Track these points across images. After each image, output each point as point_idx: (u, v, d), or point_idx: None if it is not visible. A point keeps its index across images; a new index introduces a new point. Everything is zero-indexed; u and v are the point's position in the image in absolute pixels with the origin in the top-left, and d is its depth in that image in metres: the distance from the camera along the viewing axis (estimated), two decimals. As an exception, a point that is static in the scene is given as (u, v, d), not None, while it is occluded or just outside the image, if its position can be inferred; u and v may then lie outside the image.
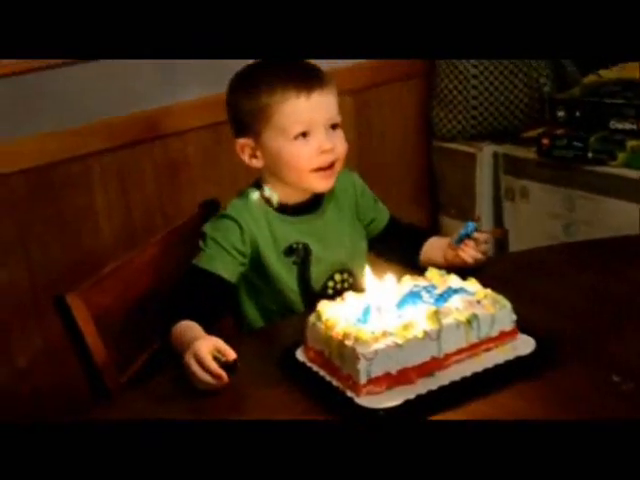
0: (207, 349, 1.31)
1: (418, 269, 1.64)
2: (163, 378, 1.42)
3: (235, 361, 1.30)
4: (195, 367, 1.31)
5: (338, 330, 1.28)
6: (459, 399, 1.24)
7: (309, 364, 1.33)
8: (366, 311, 1.30)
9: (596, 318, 1.47)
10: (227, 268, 1.56)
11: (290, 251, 1.62)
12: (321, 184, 1.61)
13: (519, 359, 1.31)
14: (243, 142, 1.62)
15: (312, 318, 1.35)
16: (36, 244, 2.19)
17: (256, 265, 1.61)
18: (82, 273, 1.68)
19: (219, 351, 1.31)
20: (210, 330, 1.41)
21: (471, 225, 1.60)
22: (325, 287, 1.65)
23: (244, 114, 1.60)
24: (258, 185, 1.65)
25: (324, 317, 1.32)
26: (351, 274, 1.67)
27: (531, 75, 2.83)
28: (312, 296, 1.60)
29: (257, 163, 1.63)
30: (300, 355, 1.36)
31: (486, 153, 2.78)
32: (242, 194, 1.65)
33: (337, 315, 1.32)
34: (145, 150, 2.35)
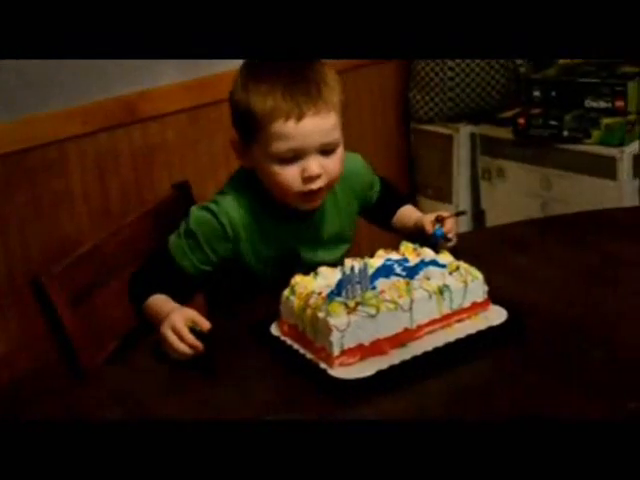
0: (183, 320, 1.33)
1: (390, 231, 1.73)
2: (138, 352, 1.43)
3: (210, 331, 1.32)
4: (172, 338, 1.32)
5: (311, 303, 1.29)
6: (432, 369, 1.25)
7: (283, 337, 1.34)
8: (339, 284, 1.31)
9: (568, 289, 1.48)
10: (195, 265, 1.52)
11: (281, 258, 1.57)
12: (303, 206, 1.53)
13: (491, 329, 1.32)
14: (234, 138, 1.54)
15: (286, 292, 1.36)
16: (13, 229, 2.18)
17: (235, 261, 1.55)
18: (59, 258, 1.68)
19: (194, 322, 1.33)
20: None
21: (439, 232, 1.60)
22: None
23: (238, 114, 1.51)
24: (251, 177, 1.55)
25: (298, 291, 1.33)
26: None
27: (507, 56, 2.84)
28: None
29: (246, 164, 1.55)
30: (274, 329, 1.37)
31: (463, 134, 2.80)
32: (234, 187, 1.56)
33: (310, 288, 1.33)
34: (123, 134, 2.35)
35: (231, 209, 1.53)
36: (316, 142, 1.45)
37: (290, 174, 1.47)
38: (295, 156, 1.46)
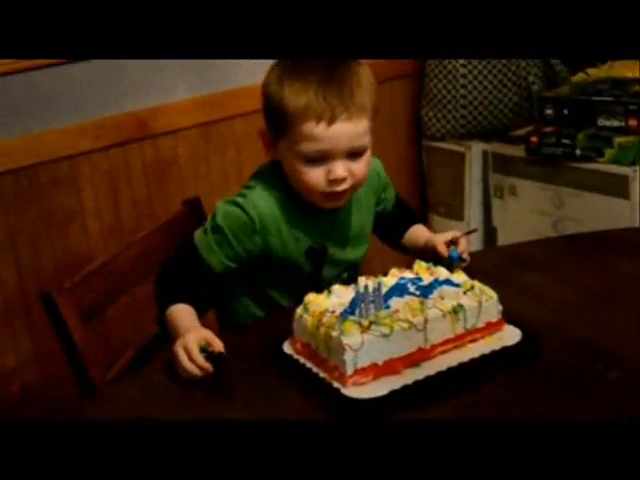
0: (196, 340, 1.32)
1: (398, 250, 1.72)
2: (150, 370, 1.42)
3: (221, 353, 1.31)
4: (183, 357, 1.32)
5: (324, 321, 1.28)
6: (445, 389, 1.24)
7: (296, 356, 1.33)
8: (353, 303, 1.30)
9: (581, 309, 1.47)
10: (222, 261, 1.52)
11: (311, 251, 1.56)
12: (327, 204, 1.52)
13: (505, 349, 1.31)
14: (264, 130, 1.53)
15: (299, 310, 1.35)
16: (25, 244, 2.19)
17: (263, 257, 1.54)
18: (71, 273, 1.68)
19: (207, 342, 1.32)
20: (204, 313, 1.44)
21: (454, 254, 1.59)
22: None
23: (270, 107, 1.49)
24: (280, 170, 1.54)
25: (311, 309, 1.33)
26: (357, 270, 1.64)
27: (520, 74, 2.84)
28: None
29: (272, 156, 1.55)
30: (287, 347, 1.37)
31: (475, 152, 2.80)
32: (263, 180, 1.55)
33: (324, 307, 1.32)
34: (134, 150, 2.36)
35: (259, 202, 1.51)
36: (345, 146, 1.45)
37: (315, 175, 1.47)
38: (322, 157, 1.46)
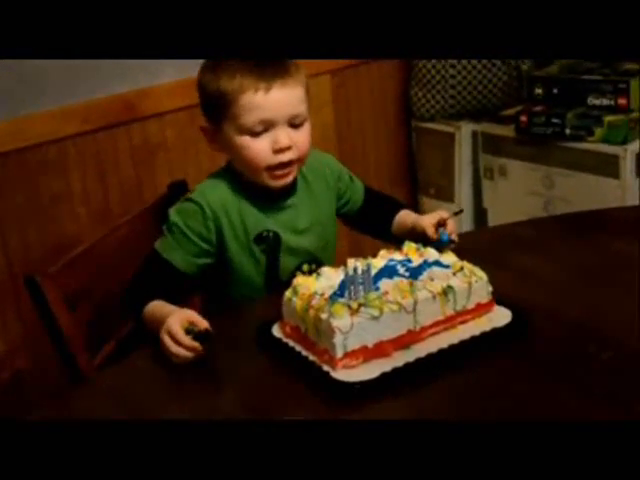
0: (179, 323, 1.32)
1: (391, 240, 1.67)
2: (139, 354, 1.41)
3: (207, 330, 1.30)
4: (169, 342, 1.31)
5: (313, 304, 1.27)
6: (436, 371, 1.23)
7: (285, 339, 1.33)
8: (342, 285, 1.29)
9: (573, 289, 1.47)
10: (185, 259, 1.53)
11: (260, 239, 1.57)
12: (276, 183, 1.55)
13: (495, 330, 1.31)
14: (205, 125, 1.57)
15: (288, 293, 1.34)
16: (13, 229, 2.17)
17: (219, 252, 1.56)
18: (59, 257, 1.67)
19: (191, 323, 1.31)
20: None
21: (445, 237, 1.57)
22: (292, 277, 1.62)
23: (207, 97, 1.54)
24: (229, 169, 1.60)
25: (300, 292, 1.32)
26: (320, 264, 1.62)
27: (509, 53, 2.82)
28: (277, 286, 1.56)
29: (217, 148, 1.58)
30: (276, 331, 1.36)
31: (465, 132, 2.79)
32: (212, 177, 1.61)
33: (313, 289, 1.31)
34: (122, 133, 2.34)
35: (207, 191, 1.55)
36: (285, 113, 1.49)
37: (260, 146, 1.50)
38: (265, 128, 1.50)
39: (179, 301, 1.45)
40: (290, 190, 1.61)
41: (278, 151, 1.50)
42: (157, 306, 1.43)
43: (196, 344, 1.30)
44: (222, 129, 1.53)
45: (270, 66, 1.49)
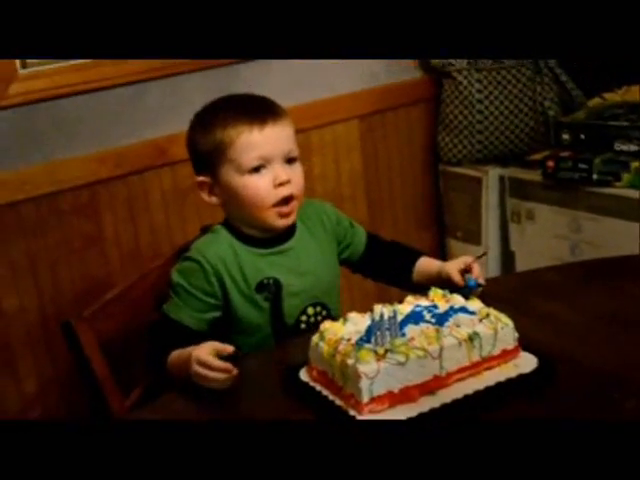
0: (206, 352, 1.35)
1: (411, 288, 1.67)
2: (168, 398, 1.43)
3: (235, 352, 1.35)
4: (203, 371, 1.34)
5: (340, 349, 1.29)
6: (461, 417, 1.24)
7: (312, 384, 1.34)
8: (369, 330, 1.31)
9: (598, 336, 1.47)
10: (193, 316, 1.55)
11: (261, 287, 1.59)
12: (280, 222, 1.60)
13: (521, 377, 1.32)
14: (201, 179, 1.62)
15: (315, 338, 1.36)
16: (45, 271, 2.21)
17: (224, 305, 1.59)
18: (91, 300, 1.70)
19: (217, 351, 1.35)
20: None
21: (472, 283, 1.58)
22: (298, 321, 1.63)
23: (201, 151, 1.61)
24: (225, 223, 1.65)
25: (327, 337, 1.33)
26: (324, 307, 1.66)
27: (536, 99, 2.84)
28: (285, 331, 1.61)
29: (216, 200, 1.63)
30: (303, 375, 1.37)
31: (492, 176, 2.79)
32: (207, 232, 1.65)
33: (340, 335, 1.33)
34: (153, 177, 2.37)
35: (205, 248, 1.59)
36: (280, 149, 1.57)
37: (262, 183, 1.56)
38: (263, 165, 1.56)
39: None
40: (288, 234, 1.65)
41: (279, 185, 1.56)
42: (176, 354, 1.46)
43: (229, 365, 1.33)
44: (220, 177, 1.59)
45: (257, 104, 1.60)
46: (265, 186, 1.56)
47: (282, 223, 1.60)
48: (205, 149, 1.59)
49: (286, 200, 1.58)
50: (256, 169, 1.56)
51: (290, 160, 1.59)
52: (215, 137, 1.57)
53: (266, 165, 1.56)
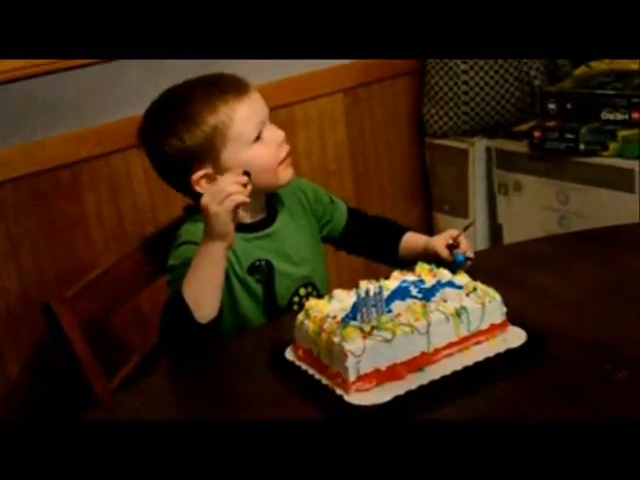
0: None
1: (397, 264, 1.65)
2: (152, 379, 1.41)
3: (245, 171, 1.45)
4: (222, 188, 1.41)
5: (326, 327, 1.27)
6: (450, 394, 1.22)
7: (298, 363, 1.32)
8: (354, 307, 1.28)
9: (588, 308, 1.46)
10: None
11: (253, 269, 1.58)
12: (288, 174, 1.61)
13: (510, 351, 1.30)
14: (199, 175, 1.55)
15: (300, 316, 1.34)
16: (27, 253, 2.18)
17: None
18: (73, 281, 1.67)
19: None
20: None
21: (460, 258, 1.57)
22: (291, 302, 1.62)
23: (191, 147, 1.53)
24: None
25: (312, 315, 1.31)
26: (315, 287, 1.65)
27: (521, 69, 2.81)
28: (277, 312, 1.58)
29: None
30: (289, 354, 1.35)
31: (478, 148, 2.77)
32: (193, 219, 1.58)
33: (325, 312, 1.31)
34: (135, 155, 2.32)
35: (197, 232, 1.50)
36: (265, 112, 1.60)
37: (268, 147, 1.57)
38: (259, 132, 1.57)
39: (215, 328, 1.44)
40: (270, 218, 1.64)
41: (281, 144, 1.59)
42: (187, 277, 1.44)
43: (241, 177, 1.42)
44: (224, 161, 1.54)
45: (233, 83, 1.58)
46: (275, 147, 1.58)
47: (289, 175, 1.61)
48: (197, 141, 1.53)
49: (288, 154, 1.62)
50: (257, 137, 1.56)
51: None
52: (209, 124, 1.53)
53: (262, 130, 1.57)
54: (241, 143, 1.55)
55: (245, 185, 1.42)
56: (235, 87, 1.57)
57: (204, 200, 1.41)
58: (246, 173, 1.44)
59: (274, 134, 1.58)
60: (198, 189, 1.55)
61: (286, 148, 1.60)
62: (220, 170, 1.55)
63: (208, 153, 1.54)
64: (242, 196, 1.41)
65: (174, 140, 1.54)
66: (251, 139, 1.55)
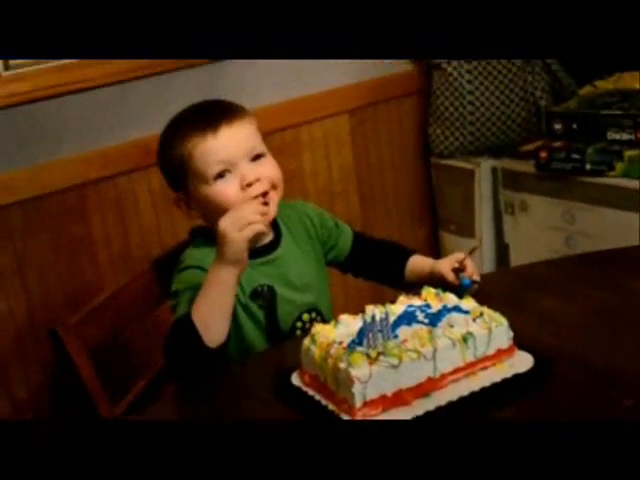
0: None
1: (403, 287, 1.64)
2: (160, 405, 1.41)
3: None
4: (241, 217, 1.40)
5: (332, 353, 1.26)
6: (456, 419, 1.22)
7: (304, 388, 1.32)
8: (360, 333, 1.28)
9: (595, 332, 1.45)
10: None
11: (256, 294, 1.57)
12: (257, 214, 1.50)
13: (517, 377, 1.29)
14: (176, 197, 1.60)
15: (306, 342, 1.33)
16: (33, 275, 2.18)
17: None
18: (80, 302, 1.68)
19: None
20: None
21: (466, 282, 1.56)
22: (293, 328, 1.60)
23: (168, 168, 1.59)
24: (206, 234, 1.58)
25: (318, 340, 1.31)
26: (319, 312, 1.64)
27: (527, 89, 2.82)
28: (280, 338, 1.57)
29: (196, 214, 1.60)
30: (295, 379, 1.35)
31: (484, 168, 2.77)
32: (196, 243, 1.59)
33: (331, 338, 1.30)
34: (141, 177, 2.34)
35: (201, 256, 1.53)
36: (239, 149, 1.52)
37: (229, 188, 1.51)
38: (227, 170, 1.52)
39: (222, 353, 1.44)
40: (274, 243, 1.62)
41: (247, 186, 1.51)
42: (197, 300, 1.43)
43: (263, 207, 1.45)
44: (190, 191, 1.56)
45: (210, 115, 1.54)
46: (233, 190, 1.51)
47: (266, 213, 1.52)
48: (171, 165, 1.57)
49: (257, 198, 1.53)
50: (221, 175, 1.52)
51: (256, 157, 1.54)
52: (176, 152, 1.55)
53: (231, 169, 1.52)
54: (201, 179, 1.53)
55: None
56: (208, 119, 1.53)
57: (222, 224, 1.40)
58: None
59: (239, 175, 1.51)
60: (178, 209, 1.60)
61: (254, 192, 1.51)
62: (191, 199, 1.57)
63: (178, 180, 1.58)
64: (262, 225, 1.41)
65: (159, 156, 1.61)
66: (210, 176, 1.52)
